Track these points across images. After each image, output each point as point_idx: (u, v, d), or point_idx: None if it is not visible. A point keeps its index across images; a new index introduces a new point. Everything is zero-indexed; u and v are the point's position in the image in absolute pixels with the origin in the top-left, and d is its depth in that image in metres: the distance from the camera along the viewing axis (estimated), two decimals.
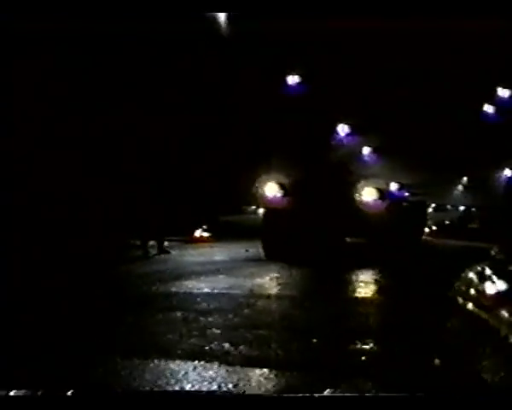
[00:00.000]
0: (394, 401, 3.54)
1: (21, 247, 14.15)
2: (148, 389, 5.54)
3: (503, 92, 17.29)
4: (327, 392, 4.12)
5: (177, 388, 5.61)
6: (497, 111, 17.56)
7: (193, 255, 18.16)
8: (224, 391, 4.98)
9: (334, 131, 18.72)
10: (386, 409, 3.38)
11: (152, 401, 3.74)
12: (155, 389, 5.56)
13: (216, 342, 7.26)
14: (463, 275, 6.91)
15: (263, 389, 5.70)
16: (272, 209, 17.47)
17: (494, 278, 6.18)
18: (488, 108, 17.71)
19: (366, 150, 19.73)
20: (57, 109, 15.92)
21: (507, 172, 18.94)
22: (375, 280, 13.47)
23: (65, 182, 15.92)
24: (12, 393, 4.14)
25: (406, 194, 20.45)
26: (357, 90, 16.93)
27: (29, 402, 3.84)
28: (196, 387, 5.64)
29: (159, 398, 3.90)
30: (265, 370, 6.17)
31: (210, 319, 8.63)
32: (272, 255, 16.65)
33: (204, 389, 5.59)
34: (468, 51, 14.66)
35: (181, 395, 4.89)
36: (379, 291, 12.26)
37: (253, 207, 22.69)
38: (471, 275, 6.78)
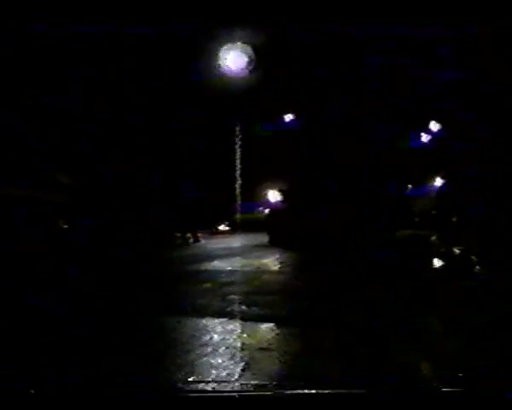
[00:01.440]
0: (392, 400, 2.91)
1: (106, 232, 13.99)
2: (180, 343, 5.51)
3: (434, 126, 17.39)
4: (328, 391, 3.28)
5: (207, 338, 5.61)
6: (431, 140, 17.63)
7: (217, 243, 18.16)
8: (226, 391, 4.13)
9: (316, 154, 18.75)
10: (383, 408, 2.74)
11: (155, 400, 2.87)
12: (191, 340, 5.57)
13: (234, 305, 7.27)
14: (411, 253, 6.88)
15: (268, 337, 5.71)
16: (274, 210, 17.53)
17: (432, 256, 6.16)
18: (426, 138, 17.78)
19: (342, 166, 19.72)
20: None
21: (437, 183, 19.01)
22: (349, 259, 13.46)
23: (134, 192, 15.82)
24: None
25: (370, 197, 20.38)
26: (335, 122, 17.01)
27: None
28: (221, 337, 5.64)
29: (161, 397, 2.98)
30: (271, 324, 6.17)
31: (230, 288, 8.63)
32: (274, 243, 16.66)
33: (228, 338, 5.60)
34: (407, 95, 14.65)
35: (183, 394, 3.87)
36: (351, 267, 12.25)
37: (261, 208, 22.63)
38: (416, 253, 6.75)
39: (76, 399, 2.85)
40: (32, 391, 2.71)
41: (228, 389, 3.89)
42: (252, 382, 3.98)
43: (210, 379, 4.23)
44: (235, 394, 3.12)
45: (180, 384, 4.06)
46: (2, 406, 2.57)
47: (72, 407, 2.74)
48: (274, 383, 4.14)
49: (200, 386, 3.99)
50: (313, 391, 2.86)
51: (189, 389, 3.87)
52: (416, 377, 4.21)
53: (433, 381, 3.87)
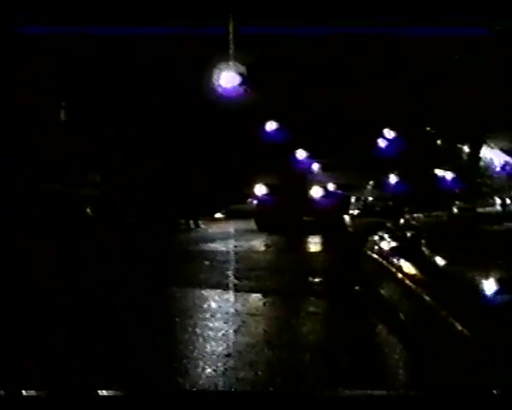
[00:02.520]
0: (392, 400, 2.45)
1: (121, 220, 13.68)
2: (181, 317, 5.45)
3: (388, 133, 17.28)
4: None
5: (206, 305, 5.61)
6: (387, 145, 17.62)
7: (214, 229, 18.09)
8: (225, 390, 3.46)
9: (296, 155, 18.78)
10: (383, 408, 2.33)
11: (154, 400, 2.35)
12: (193, 307, 5.56)
13: (229, 278, 7.25)
14: (371, 238, 6.90)
15: (257, 304, 5.74)
16: (261, 200, 17.55)
17: (388, 239, 6.20)
18: (382, 142, 17.77)
19: (316, 166, 19.78)
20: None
21: (392, 178, 19.11)
22: (320, 242, 13.51)
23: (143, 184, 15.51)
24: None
25: (338, 191, 20.42)
26: (312, 131, 17.04)
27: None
28: (218, 304, 5.65)
29: (160, 397, 2.44)
30: (259, 294, 6.18)
31: (225, 265, 8.57)
32: (261, 228, 16.65)
33: (223, 306, 5.61)
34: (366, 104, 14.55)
35: (181, 394, 3.08)
36: (322, 248, 12.31)
37: (250, 199, 22.58)
38: (376, 237, 6.78)
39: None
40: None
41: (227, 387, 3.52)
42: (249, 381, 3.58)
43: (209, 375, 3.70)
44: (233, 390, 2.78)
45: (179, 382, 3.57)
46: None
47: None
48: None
49: (200, 383, 3.54)
50: (313, 392, 2.56)
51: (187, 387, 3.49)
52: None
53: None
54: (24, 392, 2.10)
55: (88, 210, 14.17)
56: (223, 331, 4.58)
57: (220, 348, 4.09)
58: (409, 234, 5.98)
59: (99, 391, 2.19)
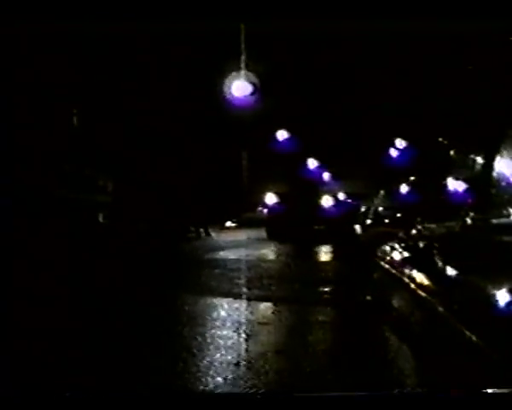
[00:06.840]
0: (393, 400, 2.37)
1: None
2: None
3: (400, 143, 17.18)
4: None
5: (216, 314, 5.60)
6: (398, 154, 17.54)
7: (225, 237, 18.10)
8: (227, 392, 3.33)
9: (307, 165, 18.76)
10: (384, 408, 2.26)
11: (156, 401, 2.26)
12: (203, 315, 5.55)
13: (239, 287, 7.25)
14: (382, 247, 6.86)
15: (267, 313, 5.71)
16: (271, 209, 17.56)
17: (399, 249, 6.16)
18: (393, 152, 17.69)
19: (326, 175, 19.74)
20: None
21: (403, 188, 19.01)
22: (331, 251, 13.45)
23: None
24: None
25: (349, 200, 20.36)
26: (323, 140, 17.04)
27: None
28: (228, 313, 5.64)
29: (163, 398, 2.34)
30: (268, 303, 6.16)
31: (235, 273, 8.57)
32: (271, 237, 16.63)
33: (233, 314, 5.59)
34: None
35: (184, 395, 3.01)
36: (333, 257, 12.25)
37: (261, 208, 22.57)
38: (387, 247, 6.74)
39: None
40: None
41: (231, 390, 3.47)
42: (251, 382, 3.57)
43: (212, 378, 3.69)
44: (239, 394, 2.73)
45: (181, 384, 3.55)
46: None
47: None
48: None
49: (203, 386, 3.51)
50: (316, 394, 2.47)
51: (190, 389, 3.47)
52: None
53: None
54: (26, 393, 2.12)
55: (100, 217, 14.26)
56: (232, 340, 4.56)
57: (230, 357, 4.08)
58: (421, 244, 5.93)
59: (106, 394, 2.20)
